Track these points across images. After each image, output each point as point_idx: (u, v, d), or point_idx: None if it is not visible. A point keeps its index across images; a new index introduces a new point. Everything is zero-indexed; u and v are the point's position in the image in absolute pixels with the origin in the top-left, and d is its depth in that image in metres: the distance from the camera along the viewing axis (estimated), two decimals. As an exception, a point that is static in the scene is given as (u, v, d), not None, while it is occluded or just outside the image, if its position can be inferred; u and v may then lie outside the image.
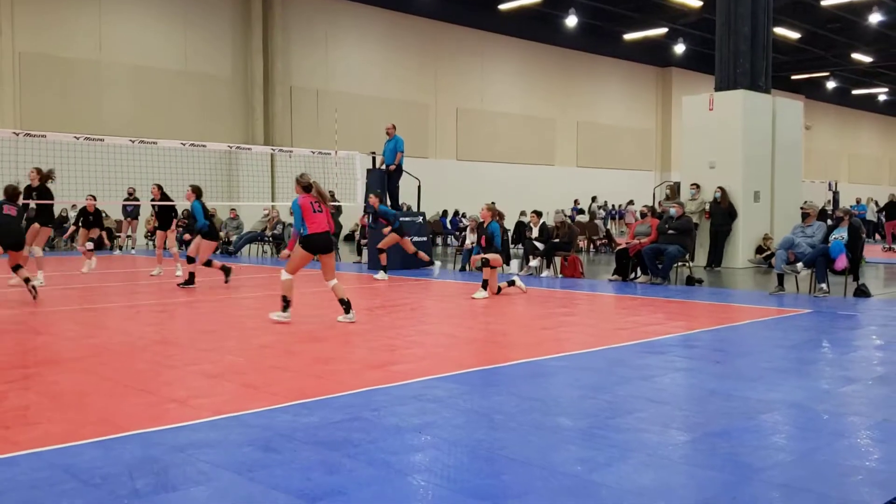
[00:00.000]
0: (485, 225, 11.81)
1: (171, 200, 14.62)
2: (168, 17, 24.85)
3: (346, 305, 8.63)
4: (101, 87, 23.40)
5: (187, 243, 13.38)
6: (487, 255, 11.31)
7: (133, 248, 21.89)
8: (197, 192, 12.64)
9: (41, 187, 12.91)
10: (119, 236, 22.53)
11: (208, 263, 12.59)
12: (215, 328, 8.49)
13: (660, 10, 32.26)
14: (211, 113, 25.60)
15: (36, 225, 12.75)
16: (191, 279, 12.23)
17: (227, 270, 12.72)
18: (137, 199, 20.05)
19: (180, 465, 3.83)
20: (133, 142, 16.29)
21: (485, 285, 11.16)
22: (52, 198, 13.07)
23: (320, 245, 8.60)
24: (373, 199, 12.83)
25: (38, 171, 13.00)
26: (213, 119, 25.59)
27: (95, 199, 15.31)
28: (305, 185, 8.63)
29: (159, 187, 14.63)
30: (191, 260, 12.37)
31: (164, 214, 14.79)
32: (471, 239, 16.03)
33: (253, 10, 26.24)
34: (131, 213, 21.53)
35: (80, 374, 5.95)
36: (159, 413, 4.82)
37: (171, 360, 6.61)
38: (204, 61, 25.67)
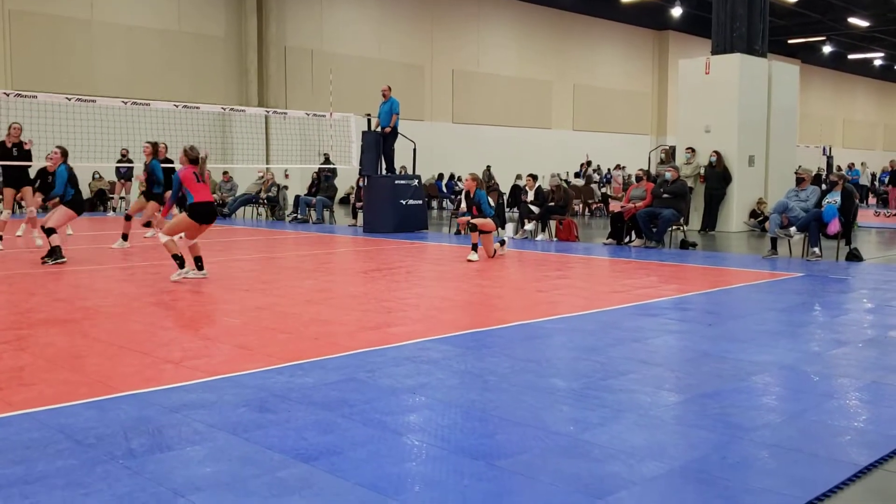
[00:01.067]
0: (471, 195, 11.77)
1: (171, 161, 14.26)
2: (160, -24, 24.46)
3: (200, 263, 9.10)
4: (93, 47, 23.08)
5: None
6: (475, 220, 11.27)
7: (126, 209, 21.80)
8: (64, 154, 10.96)
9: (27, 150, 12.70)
10: (112, 198, 22.42)
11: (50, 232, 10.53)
12: (210, 290, 8.48)
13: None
14: (204, 74, 25.31)
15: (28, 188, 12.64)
16: (55, 253, 10.40)
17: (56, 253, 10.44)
18: (131, 161, 19.90)
19: (175, 426, 3.84)
20: (126, 103, 16.13)
21: (475, 248, 11.18)
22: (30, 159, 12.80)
23: (206, 213, 8.97)
24: (469, 183, 11.80)
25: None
26: (207, 80, 25.31)
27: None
28: (192, 159, 8.95)
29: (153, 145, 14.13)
30: (50, 231, 10.49)
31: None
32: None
33: (246, -30, 25.85)
34: (124, 174, 21.40)
35: (74, 336, 5.94)
36: (154, 374, 4.82)
37: (166, 321, 6.61)
38: (197, 21, 25.31)
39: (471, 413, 4.08)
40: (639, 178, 14.25)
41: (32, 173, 13.19)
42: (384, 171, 16.58)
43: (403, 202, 16.14)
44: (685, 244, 13.03)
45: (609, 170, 32.89)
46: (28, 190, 12.65)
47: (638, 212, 13.12)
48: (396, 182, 16.24)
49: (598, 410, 4.12)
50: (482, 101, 33.36)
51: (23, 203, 12.97)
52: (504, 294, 8.28)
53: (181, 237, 9.10)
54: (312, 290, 8.33)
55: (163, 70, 24.23)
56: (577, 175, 31.00)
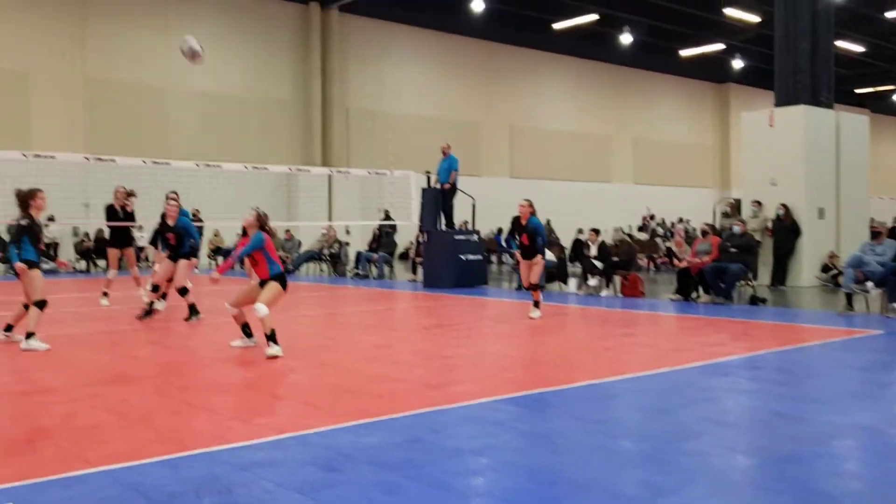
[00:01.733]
0: (523, 221, 10.90)
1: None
2: (231, 44, 25.42)
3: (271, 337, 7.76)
4: (167, 112, 24.02)
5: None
6: (533, 274, 10.80)
7: (196, 267, 22.32)
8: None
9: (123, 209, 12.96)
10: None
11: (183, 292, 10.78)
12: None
13: (716, 27, 31.83)
14: (271, 136, 26.06)
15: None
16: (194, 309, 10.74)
17: (193, 310, 10.74)
18: (202, 221, 20.43)
19: (245, 485, 3.86)
20: (198, 165, 16.67)
21: (537, 305, 10.92)
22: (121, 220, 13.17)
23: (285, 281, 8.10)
24: (523, 209, 10.86)
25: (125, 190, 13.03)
26: (274, 142, 26.04)
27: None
28: (264, 225, 8.05)
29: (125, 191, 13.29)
30: (183, 291, 10.77)
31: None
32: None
33: (311, 35, 26.70)
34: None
35: (147, 393, 6.06)
36: (223, 431, 4.87)
37: (234, 378, 6.70)
38: (265, 86, 26.18)
39: (538, 476, 4.01)
40: (704, 233, 14.04)
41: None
42: (444, 227, 16.70)
43: (463, 257, 16.20)
44: (755, 300, 12.71)
45: (672, 223, 32.53)
46: (130, 250, 12.99)
47: (705, 267, 12.89)
48: (456, 237, 16.33)
49: (670, 474, 4.00)
50: (540, 156, 33.49)
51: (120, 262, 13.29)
52: (569, 352, 8.17)
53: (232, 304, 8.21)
54: (375, 346, 8.36)
55: (233, 133, 25.03)
56: (640, 229, 30.72)
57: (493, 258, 27.15)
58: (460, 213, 18.08)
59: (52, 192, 16.26)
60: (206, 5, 24.79)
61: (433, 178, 17.38)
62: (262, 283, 7.97)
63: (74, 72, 22.47)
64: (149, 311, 10.71)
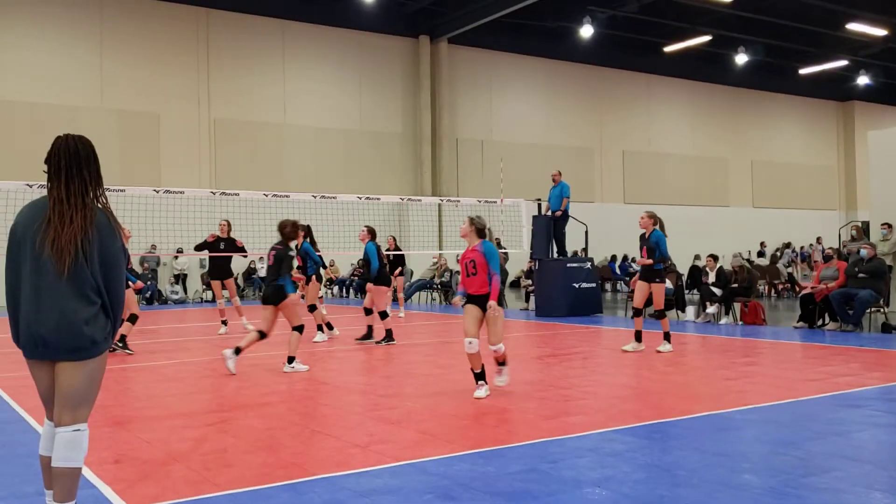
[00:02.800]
0: (647, 235, 10.21)
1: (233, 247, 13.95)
2: (345, 82, 26.30)
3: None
4: (285, 148, 25.03)
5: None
6: (656, 298, 10.14)
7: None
8: (372, 232, 11.57)
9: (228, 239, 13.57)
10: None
11: (383, 315, 11.34)
12: (392, 374, 8.73)
13: (839, 43, 30.57)
14: (384, 167, 26.71)
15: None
16: (369, 333, 11.54)
17: (388, 336, 11.40)
18: (319, 250, 21.08)
19: (366, 511, 3.95)
20: (315, 197, 17.24)
21: (668, 336, 10.15)
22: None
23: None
24: (645, 222, 10.24)
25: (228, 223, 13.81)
26: (386, 173, 26.68)
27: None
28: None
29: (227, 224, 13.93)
30: (367, 312, 11.52)
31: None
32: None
33: (421, 68, 27.29)
34: (392, 262, 22.50)
35: (271, 419, 6.28)
36: (344, 458, 5.00)
37: (353, 405, 6.85)
38: (376, 120, 26.91)
39: (660, 509, 3.92)
40: (828, 258, 13.41)
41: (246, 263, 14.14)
42: (555, 255, 16.61)
43: (576, 285, 16.05)
44: (887, 327, 12.03)
45: (805, 247, 31.27)
46: (231, 281, 13.63)
47: (831, 293, 12.31)
48: (568, 265, 16.20)
49: (800, 511, 3.84)
50: (654, 181, 32.88)
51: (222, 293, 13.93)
52: (688, 382, 7.95)
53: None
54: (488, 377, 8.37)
55: (346, 165, 25.82)
56: (759, 255, 29.64)
57: (608, 286, 26.76)
58: (573, 241, 17.94)
59: (180, 226, 17.24)
60: (319, 43, 25.75)
61: (544, 205, 17.34)
62: (474, 300, 7.13)
63: (200, 113, 23.75)
64: (367, 336, 11.62)
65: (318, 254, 12.69)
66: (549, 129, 30.44)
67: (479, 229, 7.33)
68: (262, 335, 8.75)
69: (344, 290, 24.77)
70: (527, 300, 18.76)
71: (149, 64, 22.96)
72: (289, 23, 25.16)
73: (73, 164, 3.48)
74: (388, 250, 15.61)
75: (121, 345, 10.57)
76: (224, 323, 13.44)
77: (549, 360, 9.64)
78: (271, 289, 8.76)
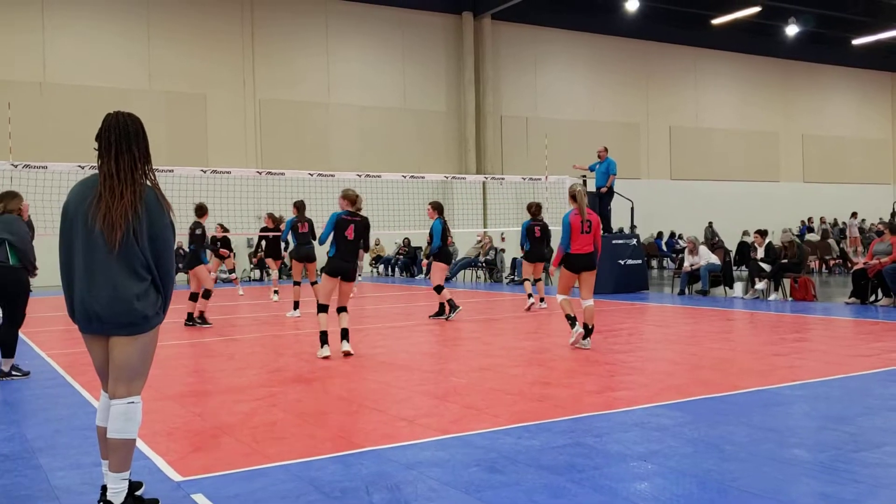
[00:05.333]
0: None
1: (279, 230, 15.46)
2: (388, 59, 26.29)
3: (588, 331, 8.48)
4: (329, 127, 25.15)
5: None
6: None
7: (360, 274, 23.20)
8: (438, 209, 11.90)
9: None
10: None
11: (438, 289, 11.78)
12: (437, 351, 8.77)
13: (893, 11, 29.58)
14: (428, 146, 26.69)
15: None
16: (440, 310, 11.83)
17: (451, 306, 11.73)
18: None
19: (412, 482, 3.99)
20: (360, 176, 17.33)
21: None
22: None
23: (581, 264, 8.52)
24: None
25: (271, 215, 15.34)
26: (430, 151, 26.66)
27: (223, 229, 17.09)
28: (573, 194, 8.54)
29: (271, 216, 15.89)
30: (438, 289, 11.78)
31: (275, 243, 15.81)
32: (689, 261, 15.45)
33: (465, 45, 27.11)
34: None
35: (319, 393, 6.37)
36: (391, 431, 5.05)
37: (400, 380, 6.91)
38: (421, 98, 26.86)
39: (707, 483, 3.89)
40: (879, 233, 13.07)
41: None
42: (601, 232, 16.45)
43: (622, 262, 15.90)
44: (943, 303, 11.72)
45: (843, 223, 30.52)
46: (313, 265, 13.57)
47: (884, 268, 12.01)
48: (614, 242, 16.05)
49: (850, 485, 3.77)
50: (701, 156, 32.35)
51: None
52: (736, 358, 7.84)
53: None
54: (533, 351, 8.37)
55: (390, 144, 25.86)
56: (808, 230, 29.01)
57: (654, 262, 26.48)
58: (619, 217, 17.75)
59: (227, 205, 17.48)
60: (362, 22, 25.73)
61: (590, 181, 17.16)
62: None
63: (246, 94, 23.97)
64: (452, 308, 11.78)
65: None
66: (595, 105, 30.08)
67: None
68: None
69: (389, 269, 24.89)
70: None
71: (195, 47, 23.22)
72: (332, 2, 25.20)
73: (122, 139, 3.54)
74: (263, 230, 16.46)
75: (199, 320, 11.20)
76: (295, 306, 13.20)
77: (595, 337, 9.56)
78: (352, 265, 8.35)
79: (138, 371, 3.61)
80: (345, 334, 8.28)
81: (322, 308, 8.30)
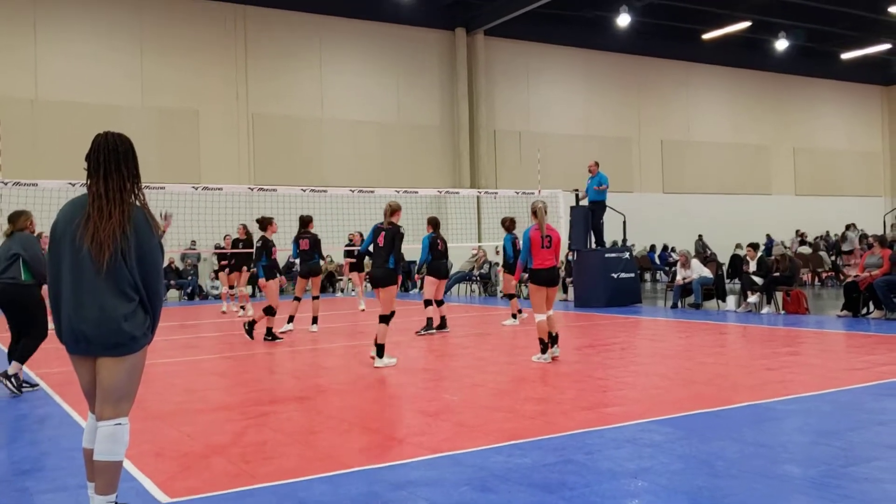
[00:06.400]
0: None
1: (251, 245, 15.47)
2: (382, 74, 26.33)
3: (552, 339, 8.69)
4: (323, 143, 25.15)
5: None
6: None
7: (353, 290, 23.15)
8: (432, 223, 12.20)
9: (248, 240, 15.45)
10: (341, 279, 23.88)
11: (430, 303, 11.92)
12: (430, 367, 8.75)
13: (880, 26, 29.82)
14: (421, 160, 26.72)
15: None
16: (429, 324, 11.83)
17: (428, 324, 11.89)
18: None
19: (401, 503, 3.96)
20: (353, 191, 17.35)
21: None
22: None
23: (544, 279, 8.73)
24: None
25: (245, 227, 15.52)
26: (424, 166, 26.68)
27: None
28: (533, 211, 8.90)
29: (244, 228, 15.79)
30: (426, 303, 11.97)
31: (244, 256, 15.69)
32: (682, 274, 15.47)
33: (458, 60, 27.20)
34: (357, 257, 22.76)
35: (311, 412, 6.34)
36: (380, 451, 5.02)
37: (391, 398, 6.89)
38: (414, 113, 26.91)
39: (698, 501, 3.87)
40: (870, 245, 13.11)
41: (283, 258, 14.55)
42: (594, 245, 16.48)
43: (615, 276, 15.91)
44: (934, 315, 11.75)
45: (838, 234, 30.57)
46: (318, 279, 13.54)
47: (875, 281, 12.04)
48: (607, 255, 16.08)
49: (840, 501, 3.77)
50: (693, 170, 32.46)
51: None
52: (729, 372, 7.84)
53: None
54: (526, 368, 8.35)
55: (384, 159, 25.88)
56: (801, 243, 29.09)
57: (647, 276, 26.52)
58: (612, 231, 17.77)
59: (220, 221, 17.45)
60: (355, 37, 25.80)
61: (582, 196, 17.20)
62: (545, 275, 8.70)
63: (239, 109, 23.98)
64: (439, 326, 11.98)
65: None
66: (587, 119, 30.19)
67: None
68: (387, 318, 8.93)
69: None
70: (565, 291, 18.66)
71: (188, 62, 23.24)
72: (325, 17, 25.26)
73: (111, 160, 3.54)
74: (349, 245, 16.31)
75: (270, 337, 11.30)
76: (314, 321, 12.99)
77: (587, 351, 9.58)
78: (382, 271, 8.82)
79: (126, 392, 3.59)
80: (379, 350, 8.62)
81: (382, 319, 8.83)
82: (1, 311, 7.58)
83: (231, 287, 16.67)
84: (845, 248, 26.01)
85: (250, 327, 11.45)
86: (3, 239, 7.63)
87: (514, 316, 13.14)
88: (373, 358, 8.65)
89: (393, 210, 9.10)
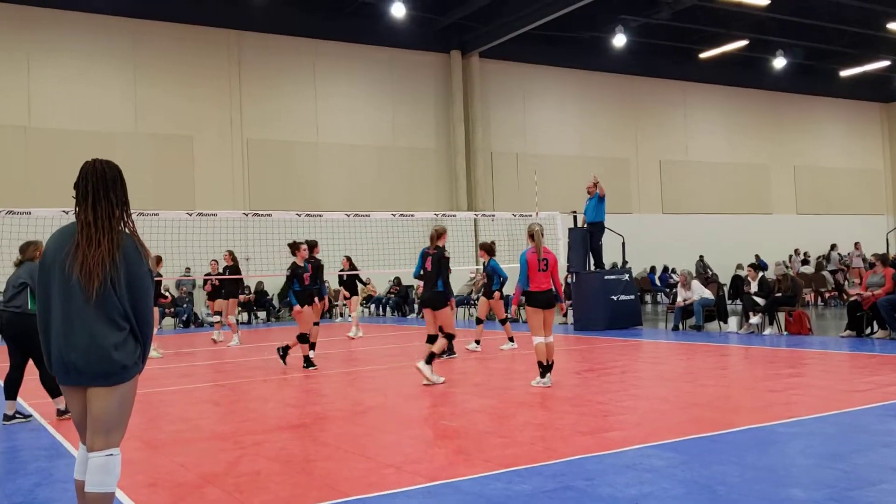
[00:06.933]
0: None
1: (239, 272, 15.63)
2: (377, 99, 26.48)
3: (545, 369, 8.68)
4: (318, 167, 25.24)
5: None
6: None
7: (349, 315, 23.09)
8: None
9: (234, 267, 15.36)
10: (337, 305, 23.85)
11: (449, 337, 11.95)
12: (428, 393, 8.73)
13: (880, 43, 30.06)
14: (417, 183, 26.80)
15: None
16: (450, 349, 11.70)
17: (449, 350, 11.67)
18: (355, 268, 21.19)
19: (398, 532, 3.94)
20: (349, 216, 17.38)
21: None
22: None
23: (541, 302, 8.81)
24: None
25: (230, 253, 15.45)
26: (420, 189, 26.76)
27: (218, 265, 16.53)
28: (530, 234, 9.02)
29: (231, 254, 15.67)
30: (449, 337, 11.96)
31: (232, 284, 15.61)
32: (682, 296, 15.47)
33: (454, 83, 27.37)
34: (346, 282, 22.74)
35: (306, 440, 6.31)
36: (377, 479, 5.00)
37: (389, 425, 6.86)
38: (410, 136, 27.04)
39: (700, 526, 3.85)
40: (872, 264, 13.13)
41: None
42: (593, 267, 16.49)
43: (615, 298, 15.91)
44: (939, 334, 11.74)
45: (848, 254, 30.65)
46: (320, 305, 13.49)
47: (879, 300, 12.05)
48: (606, 277, 16.08)
49: (846, 527, 3.75)
50: (693, 190, 32.55)
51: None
52: (731, 394, 7.82)
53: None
54: (525, 393, 8.33)
55: (380, 183, 25.95)
56: (803, 262, 29.12)
57: (648, 298, 26.50)
58: (611, 253, 17.77)
59: (214, 247, 17.46)
60: (350, 61, 25.96)
61: (580, 218, 17.23)
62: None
63: (233, 134, 24.08)
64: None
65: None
66: (584, 140, 30.32)
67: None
68: (434, 338, 9.44)
69: (381, 309, 24.82)
70: (564, 314, 18.64)
71: (182, 88, 23.36)
72: (319, 42, 25.43)
73: (99, 187, 3.56)
74: (341, 270, 16.16)
75: (304, 365, 11.10)
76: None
77: (587, 375, 9.56)
78: (432, 294, 9.32)
79: (117, 423, 3.58)
80: (429, 358, 9.08)
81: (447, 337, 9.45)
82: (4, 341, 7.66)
83: (218, 314, 16.55)
84: (830, 268, 26.18)
85: (284, 353, 11.39)
86: (13, 268, 7.77)
87: (511, 339, 13.09)
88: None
89: (439, 234, 9.68)
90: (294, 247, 11.44)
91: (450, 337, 9.50)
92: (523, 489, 4.61)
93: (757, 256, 26.91)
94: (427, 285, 9.56)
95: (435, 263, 9.43)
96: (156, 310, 14.59)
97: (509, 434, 6.20)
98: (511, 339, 13.07)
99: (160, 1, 23.06)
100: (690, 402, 7.44)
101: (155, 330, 14.33)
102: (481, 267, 12.73)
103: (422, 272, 9.73)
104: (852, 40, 29.80)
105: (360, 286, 17.75)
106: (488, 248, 12.72)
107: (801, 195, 35.85)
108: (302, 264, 11.35)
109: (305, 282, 11.31)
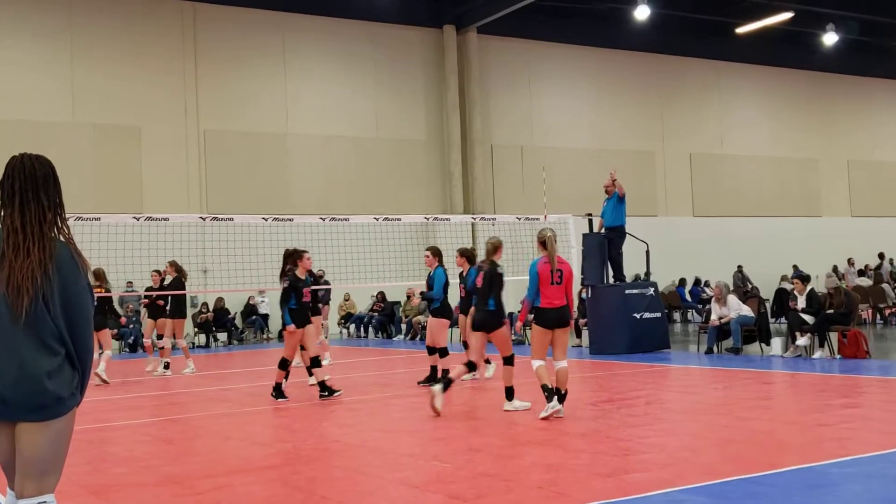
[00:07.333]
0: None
1: (183, 287, 15.47)
2: (357, 82, 26.50)
3: (560, 397, 8.68)
4: (288, 162, 25.24)
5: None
6: None
7: (326, 336, 23.08)
8: (438, 255, 12.47)
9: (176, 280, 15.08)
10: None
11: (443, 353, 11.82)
12: (417, 428, 8.72)
13: (948, 14, 30.29)
14: (405, 182, 26.80)
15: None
16: (432, 374, 11.78)
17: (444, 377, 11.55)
18: (329, 283, 21.22)
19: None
20: (324, 219, 17.39)
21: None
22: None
23: (553, 320, 8.81)
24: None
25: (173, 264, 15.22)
26: (408, 188, 26.77)
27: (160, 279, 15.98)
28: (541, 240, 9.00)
29: (174, 265, 15.40)
30: (443, 353, 11.79)
31: (175, 300, 15.36)
32: (717, 313, 15.50)
33: (447, 64, 27.41)
34: (322, 297, 22.74)
35: (273, 484, 6.31)
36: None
37: (371, 466, 6.86)
38: (396, 126, 27.05)
39: (739, 584, 3.86)
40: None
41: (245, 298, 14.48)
42: (612, 280, 16.52)
43: (638, 316, 15.93)
44: None
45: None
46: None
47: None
48: (627, 292, 16.11)
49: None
50: (729, 189, 32.64)
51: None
52: (775, 429, 7.85)
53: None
54: (533, 428, 8.34)
55: (361, 181, 25.94)
56: (860, 273, 29.23)
57: (677, 315, 26.56)
58: (633, 263, 17.79)
59: (166, 258, 17.43)
60: (325, 38, 26.00)
61: (597, 220, 17.26)
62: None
63: (188, 124, 24.10)
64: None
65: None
66: (601, 131, 30.39)
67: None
68: (474, 366, 9.78)
69: (362, 329, 24.83)
70: (578, 335, 18.65)
71: (127, 70, 23.35)
72: (289, 15, 25.48)
73: (28, 186, 3.54)
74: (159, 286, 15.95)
75: (274, 393, 10.93)
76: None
77: (606, 407, 9.58)
78: (483, 314, 9.47)
79: (51, 464, 3.56)
80: (509, 393, 9.46)
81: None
82: None
83: (160, 337, 15.89)
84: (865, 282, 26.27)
85: (278, 392, 10.96)
86: None
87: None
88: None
89: (495, 248, 9.90)
90: (295, 255, 11.31)
91: (509, 360, 9.65)
92: (531, 541, 4.62)
93: (795, 267, 26.89)
94: (479, 305, 9.67)
95: (486, 280, 9.54)
96: (107, 332, 14.44)
97: (512, 476, 6.21)
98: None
99: (101, -33, 23.12)
100: (727, 438, 7.46)
101: (109, 353, 14.44)
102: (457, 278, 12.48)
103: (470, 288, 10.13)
104: (916, 12, 29.99)
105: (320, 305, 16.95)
106: (469, 256, 12.36)
107: (855, 195, 35.99)
108: (304, 277, 11.25)
109: (306, 297, 11.18)
